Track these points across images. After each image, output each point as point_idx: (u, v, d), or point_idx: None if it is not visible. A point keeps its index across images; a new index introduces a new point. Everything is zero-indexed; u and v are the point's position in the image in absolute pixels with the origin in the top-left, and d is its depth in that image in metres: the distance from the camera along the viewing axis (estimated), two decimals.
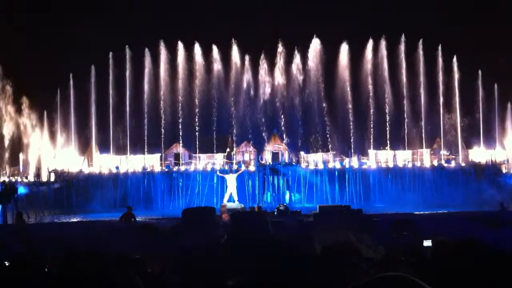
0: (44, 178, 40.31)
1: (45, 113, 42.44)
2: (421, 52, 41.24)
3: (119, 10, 45.04)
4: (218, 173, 35.82)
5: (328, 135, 41.00)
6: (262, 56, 41.58)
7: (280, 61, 41.40)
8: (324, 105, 41.32)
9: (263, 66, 41.47)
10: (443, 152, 41.09)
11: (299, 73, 41.50)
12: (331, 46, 41.57)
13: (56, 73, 42.46)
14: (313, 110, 41.18)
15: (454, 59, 41.41)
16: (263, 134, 41.36)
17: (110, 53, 41.57)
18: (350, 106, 41.24)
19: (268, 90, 41.60)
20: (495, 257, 9.60)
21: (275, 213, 27.75)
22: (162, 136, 41.59)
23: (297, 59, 41.75)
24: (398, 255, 12.45)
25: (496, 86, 41.26)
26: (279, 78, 41.43)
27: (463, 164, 39.70)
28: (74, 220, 30.01)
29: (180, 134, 41.76)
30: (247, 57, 41.83)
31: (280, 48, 41.39)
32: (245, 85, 41.67)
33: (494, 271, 8.53)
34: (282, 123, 41.21)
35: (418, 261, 10.39)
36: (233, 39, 42.15)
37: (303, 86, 41.59)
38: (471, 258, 9.15)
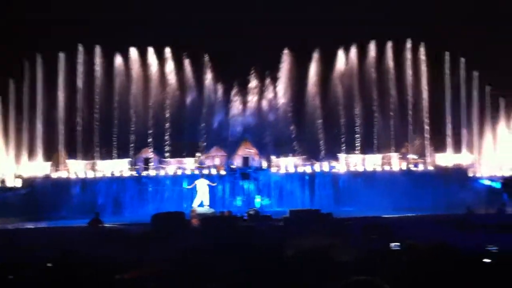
0: (9, 184, 39.33)
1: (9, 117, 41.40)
2: (390, 55, 41.81)
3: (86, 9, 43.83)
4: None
5: (298, 140, 41.14)
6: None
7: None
8: (294, 110, 41.47)
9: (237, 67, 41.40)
10: (411, 156, 41.67)
11: (270, 79, 41.59)
12: (302, 51, 41.74)
13: (16, 73, 41.24)
14: (284, 115, 41.29)
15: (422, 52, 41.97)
16: (234, 139, 41.26)
17: (79, 55, 40.99)
18: (320, 111, 41.48)
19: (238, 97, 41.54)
20: (465, 259, 9.80)
21: (246, 217, 27.71)
22: (132, 141, 41.14)
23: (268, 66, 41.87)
24: (370, 258, 12.54)
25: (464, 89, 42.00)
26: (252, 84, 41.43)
27: (430, 168, 40.34)
28: (41, 226, 29.40)
29: (150, 139, 41.35)
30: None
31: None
32: (216, 91, 41.53)
33: (464, 273, 8.67)
34: (253, 128, 41.17)
35: (390, 264, 10.48)
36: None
37: (274, 92, 41.67)
38: (443, 261, 9.30)
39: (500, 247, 12.44)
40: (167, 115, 41.23)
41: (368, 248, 14.26)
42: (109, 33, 41.30)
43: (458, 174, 39.29)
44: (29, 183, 38.31)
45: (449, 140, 41.59)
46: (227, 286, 9.98)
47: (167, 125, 41.20)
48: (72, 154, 41.42)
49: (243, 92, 42.10)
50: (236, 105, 41.72)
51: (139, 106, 41.59)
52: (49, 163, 41.02)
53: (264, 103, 41.71)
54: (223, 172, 38.40)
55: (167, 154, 41.06)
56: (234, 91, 41.78)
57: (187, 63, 42.00)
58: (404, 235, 14.78)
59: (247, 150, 42.23)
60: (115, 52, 41.50)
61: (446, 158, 41.57)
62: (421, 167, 40.25)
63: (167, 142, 41.10)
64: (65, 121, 41.12)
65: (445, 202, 33.97)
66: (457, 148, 41.67)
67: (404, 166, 40.78)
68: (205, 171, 38.36)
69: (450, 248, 9.37)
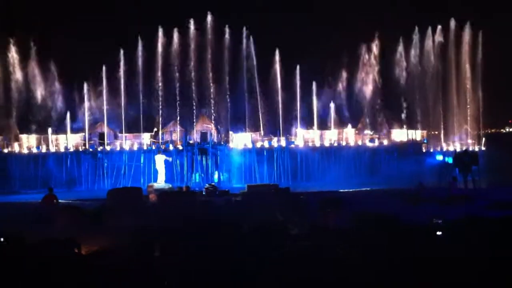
0: None
1: None
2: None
3: None
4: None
5: (258, 115, 41.19)
6: (192, 32, 40.82)
7: (210, 37, 40.77)
8: (253, 85, 41.38)
9: (193, 42, 40.76)
10: (367, 132, 42.46)
11: (228, 52, 41.18)
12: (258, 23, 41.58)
13: None
14: (242, 90, 41.15)
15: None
16: (192, 114, 40.92)
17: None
18: (278, 86, 41.59)
19: (195, 68, 40.98)
20: (411, 229, 10.14)
21: (204, 193, 27.69)
22: (86, 115, 40.37)
23: (226, 37, 41.36)
24: (324, 229, 12.76)
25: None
26: (209, 57, 40.90)
27: (385, 143, 41.20)
28: None
29: (105, 113, 40.63)
30: (175, 33, 40.89)
31: (209, 24, 40.78)
32: (174, 63, 40.84)
33: (408, 242, 8.97)
34: (212, 102, 40.90)
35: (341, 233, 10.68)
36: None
37: (232, 66, 41.36)
38: (388, 230, 9.60)
39: (445, 219, 12.91)
40: (123, 88, 40.52)
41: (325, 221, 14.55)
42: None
43: (412, 149, 40.25)
44: None
45: (404, 116, 42.48)
46: (182, 260, 10.02)
47: (123, 99, 40.54)
48: (25, 129, 40.46)
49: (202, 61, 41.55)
50: (193, 78, 41.17)
51: (94, 80, 40.74)
52: (0, 137, 39.97)
53: (223, 77, 41.35)
54: (180, 147, 38.17)
55: (123, 129, 40.47)
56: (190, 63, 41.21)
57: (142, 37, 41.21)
58: (356, 208, 15.14)
59: (205, 125, 42.07)
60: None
61: (402, 134, 42.52)
62: (376, 143, 41.05)
63: (123, 117, 40.49)
64: (18, 95, 39.93)
65: (399, 177, 34.72)
66: (413, 124, 42.61)
67: (360, 141, 41.62)
68: (162, 146, 38.09)
69: (396, 219, 9.68)
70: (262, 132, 41.22)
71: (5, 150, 38.69)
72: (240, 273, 8.51)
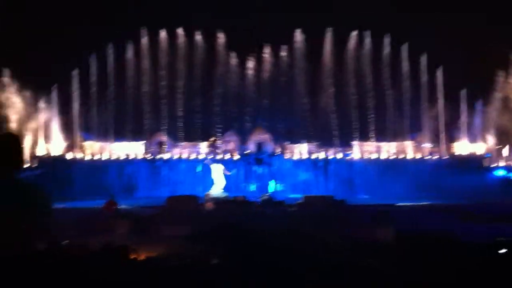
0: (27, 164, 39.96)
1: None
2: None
3: None
4: (206, 161, 35.34)
5: (312, 126, 41.08)
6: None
7: (266, 53, 41.21)
8: (308, 96, 41.39)
9: (250, 56, 41.28)
10: (426, 145, 41.49)
11: (284, 64, 41.39)
12: (315, 37, 41.59)
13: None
14: (298, 101, 41.20)
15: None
16: (248, 123, 41.32)
17: None
18: (334, 98, 41.38)
19: (253, 79, 41.44)
20: (461, 248, 9.80)
21: (259, 203, 27.85)
22: (146, 124, 41.53)
23: (282, 51, 41.61)
24: (366, 248, 12.64)
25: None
26: (265, 69, 41.27)
27: (446, 157, 40.14)
28: (58, 206, 29.80)
29: (164, 122, 41.66)
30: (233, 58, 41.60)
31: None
32: (230, 74, 41.46)
33: (459, 262, 8.69)
34: (268, 113, 41.16)
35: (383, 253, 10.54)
36: (219, 33, 41.95)
37: (289, 78, 41.50)
38: (437, 249, 9.34)
39: (507, 237, 12.44)
40: (181, 98, 41.44)
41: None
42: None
43: (473, 164, 39.02)
44: (45, 163, 38.81)
45: (464, 129, 41.29)
46: (237, 268, 10.16)
47: (181, 108, 41.43)
48: (88, 136, 42.00)
49: (257, 75, 41.94)
50: (250, 90, 41.59)
51: (153, 89, 41.87)
52: (65, 144, 41.62)
53: (278, 89, 41.55)
54: (236, 157, 38.55)
55: (180, 138, 41.31)
56: (248, 72, 41.61)
57: (199, 44, 41.96)
58: (411, 223, 14.87)
59: (261, 136, 42.33)
60: (127, 35, 41.71)
61: (462, 147, 41.31)
62: (436, 156, 40.06)
63: (181, 126, 41.35)
64: (80, 102, 41.55)
65: (459, 192, 33.80)
66: (473, 138, 41.31)
67: (418, 154, 40.70)
68: (219, 156, 38.58)
69: (451, 237, 9.43)
70: (318, 143, 41.02)
71: (69, 157, 40.19)
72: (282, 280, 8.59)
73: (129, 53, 41.94)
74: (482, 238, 12.26)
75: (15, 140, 4.49)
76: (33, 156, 40.14)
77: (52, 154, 40.26)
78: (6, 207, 4.26)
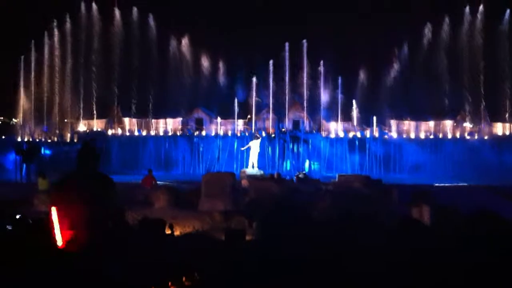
0: (68, 139, 40.99)
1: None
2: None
3: None
4: (241, 148, 35.46)
5: (351, 104, 40.54)
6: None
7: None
8: (347, 73, 40.85)
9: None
10: (467, 124, 40.55)
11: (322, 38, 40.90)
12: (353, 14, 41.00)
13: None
14: (335, 79, 40.70)
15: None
16: (285, 101, 41.12)
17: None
18: (369, 76, 40.73)
19: (289, 56, 41.07)
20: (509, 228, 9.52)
21: (294, 180, 27.83)
22: (184, 100, 41.85)
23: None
24: (412, 223, 12.50)
25: None
26: (303, 46, 40.79)
27: (486, 137, 39.16)
28: None
29: (202, 99, 41.91)
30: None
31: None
32: (267, 52, 41.23)
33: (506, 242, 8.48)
34: (305, 90, 40.85)
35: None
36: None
37: (326, 55, 40.98)
38: (483, 227, 9.13)
39: None
40: (219, 76, 41.55)
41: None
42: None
43: None
44: (84, 138, 39.62)
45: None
46: (271, 244, 10.22)
47: (219, 85, 41.56)
48: (127, 112, 42.68)
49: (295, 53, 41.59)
50: (288, 67, 41.32)
51: (191, 68, 42.11)
52: (104, 120, 42.44)
53: (315, 67, 41.12)
54: (273, 135, 38.55)
55: (217, 115, 41.50)
56: (286, 53, 41.31)
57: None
58: (451, 203, 14.60)
59: (297, 113, 42.14)
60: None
61: (504, 127, 40.26)
62: (476, 136, 39.17)
63: (218, 103, 41.50)
64: (120, 79, 42.13)
65: (499, 172, 33.06)
66: None
67: (458, 134, 39.86)
68: (255, 133, 38.63)
69: (495, 216, 9.20)
70: (355, 121, 40.61)
71: (109, 132, 40.98)
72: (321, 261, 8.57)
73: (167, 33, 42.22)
74: None
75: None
76: (74, 131, 41.14)
77: (92, 129, 41.19)
78: (92, 191, 6.82)
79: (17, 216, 10.33)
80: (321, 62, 40.33)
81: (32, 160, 30.64)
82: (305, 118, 41.37)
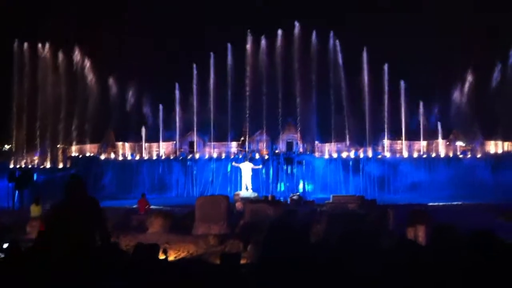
0: (61, 165, 40.77)
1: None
2: None
3: None
4: (233, 163, 35.53)
5: (344, 125, 40.58)
6: (278, 43, 41.17)
7: (295, 47, 40.88)
8: (340, 94, 40.95)
9: (279, 53, 41.04)
10: (459, 143, 40.67)
11: (315, 62, 41.05)
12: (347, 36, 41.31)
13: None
14: (328, 99, 40.80)
15: None
16: (278, 123, 41.16)
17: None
18: (366, 96, 40.83)
19: (282, 76, 41.19)
20: (506, 248, 9.44)
21: (289, 202, 27.76)
22: (177, 124, 41.83)
23: (313, 45, 41.27)
24: (413, 245, 12.40)
25: None
26: (295, 67, 40.97)
27: (479, 156, 39.26)
28: None
29: (195, 122, 41.90)
30: (263, 42, 41.44)
31: (296, 33, 40.95)
32: (261, 71, 41.33)
33: (505, 263, 8.38)
34: (298, 112, 40.91)
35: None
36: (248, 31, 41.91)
37: (319, 75, 41.10)
38: (482, 248, 9.04)
39: None
40: (212, 98, 41.59)
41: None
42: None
43: (507, 162, 38.05)
44: (78, 163, 39.47)
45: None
46: (267, 270, 10.05)
47: (212, 108, 41.58)
48: (120, 136, 42.57)
49: (289, 73, 41.70)
50: (279, 87, 41.40)
51: (183, 90, 42.20)
52: (98, 144, 42.30)
53: (309, 86, 41.21)
54: (266, 156, 38.53)
55: (211, 138, 41.45)
56: (277, 74, 41.45)
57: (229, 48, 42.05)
58: (447, 223, 14.49)
59: (291, 135, 42.17)
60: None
61: (497, 145, 40.36)
62: (469, 155, 39.26)
63: (212, 126, 41.49)
64: (114, 103, 42.10)
65: (493, 191, 33.07)
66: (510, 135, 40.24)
67: (451, 153, 39.95)
68: (249, 155, 38.58)
69: (493, 236, 9.08)
70: (348, 142, 40.60)
71: (102, 157, 40.80)
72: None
73: None
74: None
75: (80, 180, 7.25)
76: (67, 156, 40.95)
77: (85, 154, 41.00)
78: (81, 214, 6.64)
79: (5, 245, 10.18)
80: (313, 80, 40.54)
81: (25, 187, 30.43)
82: (298, 139, 41.36)
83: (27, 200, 27.92)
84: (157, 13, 46.90)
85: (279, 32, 41.13)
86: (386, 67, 40.48)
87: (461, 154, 39.40)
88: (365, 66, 40.85)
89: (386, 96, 40.82)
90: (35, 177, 35.34)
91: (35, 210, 20.65)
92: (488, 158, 38.71)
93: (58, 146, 42.56)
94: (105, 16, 43.28)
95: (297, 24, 40.97)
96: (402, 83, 40.40)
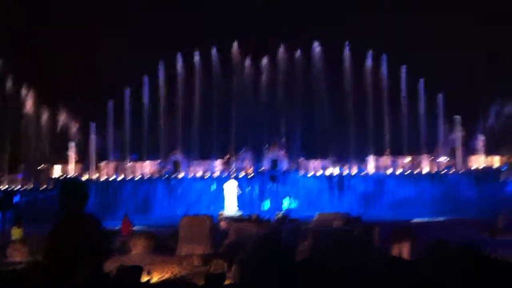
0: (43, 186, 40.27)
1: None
2: None
3: None
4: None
5: (329, 141, 40.67)
6: (264, 62, 41.39)
7: (281, 66, 41.14)
8: (324, 110, 41.15)
9: (264, 71, 41.25)
10: (442, 159, 40.96)
11: (300, 79, 41.30)
12: (332, 51, 41.61)
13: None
14: (313, 116, 40.96)
15: None
16: (263, 140, 41.14)
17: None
18: (350, 113, 41.07)
19: (267, 95, 41.35)
20: (494, 264, 9.46)
21: (273, 221, 27.58)
22: (161, 143, 41.64)
23: (298, 63, 41.53)
24: (398, 261, 12.34)
25: None
26: (280, 83, 41.17)
27: (462, 171, 39.55)
28: None
29: (179, 141, 41.73)
30: (247, 61, 41.64)
31: (281, 53, 41.22)
32: (245, 91, 41.44)
33: (492, 278, 8.38)
34: (283, 130, 40.97)
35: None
36: (235, 42, 42.04)
37: (304, 93, 41.32)
38: (469, 263, 9.02)
39: None
40: (196, 117, 41.50)
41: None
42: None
43: (489, 177, 38.40)
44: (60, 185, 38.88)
45: (481, 142, 40.65)
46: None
47: (196, 127, 41.47)
48: (103, 157, 42.20)
49: (272, 91, 41.83)
50: (265, 106, 41.50)
51: (169, 109, 42.07)
52: (80, 165, 41.88)
53: (293, 106, 41.39)
54: (251, 174, 38.39)
55: (195, 156, 41.25)
56: (261, 92, 41.57)
57: (215, 64, 42.12)
58: (432, 239, 14.48)
59: (275, 152, 42.11)
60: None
61: (479, 161, 40.67)
62: (452, 170, 39.51)
63: (196, 145, 41.34)
64: (96, 123, 41.87)
65: (476, 206, 33.27)
66: (490, 151, 40.64)
67: (434, 169, 40.16)
68: (233, 174, 38.44)
69: (479, 251, 9.09)
70: (332, 158, 40.62)
71: (84, 178, 40.31)
72: None
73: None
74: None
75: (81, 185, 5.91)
76: (49, 178, 40.44)
77: (67, 175, 40.52)
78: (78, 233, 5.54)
79: None
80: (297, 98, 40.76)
81: (6, 209, 29.94)
82: (283, 156, 41.30)
83: (9, 222, 27.43)
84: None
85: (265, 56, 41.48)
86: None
87: (444, 169, 39.63)
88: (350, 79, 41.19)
89: (370, 110, 41.15)
90: (17, 198, 34.85)
91: (16, 233, 20.24)
92: (470, 173, 39.02)
93: (39, 167, 42.07)
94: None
95: (282, 45, 41.38)
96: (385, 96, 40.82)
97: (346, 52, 41.86)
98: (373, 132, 41.10)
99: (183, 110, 41.85)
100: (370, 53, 41.87)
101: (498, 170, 39.90)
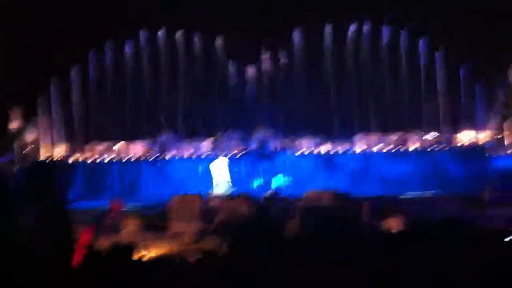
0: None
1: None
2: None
3: None
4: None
5: (317, 118, 40.74)
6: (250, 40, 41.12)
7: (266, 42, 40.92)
8: (309, 90, 41.10)
9: (250, 47, 40.99)
10: (430, 134, 41.20)
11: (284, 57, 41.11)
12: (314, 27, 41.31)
13: None
14: (301, 94, 40.89)
15: None
16: (252, 119, 41.07)
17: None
18: (335, 90, 41.08)
19: (254, 74, 41.18)
20: (482, 236, 9.58)
21: (263, 199, 27.67)
22: (147, 124, 41.36)
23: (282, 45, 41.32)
24: (389, 235, 12.42)
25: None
26: (266, 61, 40.99)
27: (447, 147, 39.84)
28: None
29: (165, 121, 41.49)
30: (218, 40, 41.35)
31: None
32: (231, 69, 41.23)
33: (479, 250, 8.49)
34: (269, 108, 40.91)
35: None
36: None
37: (290, 70, 41.19)
38: (456, 237, 9.11)
39: None
40: (182, 96, 41.24)
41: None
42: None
43: (476, 153, 38.76)
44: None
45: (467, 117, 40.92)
46: (245, 267, 9.95)
47: (183, 107, 41.23)
48: (89, 137, 41.84)
49: (257, 71, 41.62)
50: (251, 85, 41.35)
51: (154, 87, 41.72)
52: (66, 146, 41.53)
53: (279, 83, 41.29)
54: (240, 154, 38.36)
55: (182, 136, 41.07)
56: (248, 70, 41.31)
57: (198, 43, 41.71)
58: (420, 213, 14.70)
59: (263, 132, 42.04)
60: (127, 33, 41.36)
61: (467, 136, 40.92)
62: (438, 146, 39.78)
63: (183, 124, 41.15)
64: (80, 104, 41.40)
65: (463, 182, 33.68)
66: (478, 126, 40.85)
67: (420, 145, 40.35)
68: (222, 153, 38.35)
69: (467, 224, 9.17)
70: (321, 136, 40.65)
71: (70, 160, 39.97)
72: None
73: (129, 51, 41.65)
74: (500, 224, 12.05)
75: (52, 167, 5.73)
76: (35, 159, 40.06)
77: (54, 157, 40.17)
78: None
79: None
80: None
81: None
82: (271, 136, 41.22)
83: None
84: None
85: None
86: None
87: (430, 146, 39.89)
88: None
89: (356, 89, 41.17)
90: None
91: None
92: (456, 149, 39.34)
93: (25, 150, 41.69)
94: None
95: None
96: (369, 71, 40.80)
97: (328, 29, 41.58)
98: (361, 109, 41.07)
99: (168, 91, 41.55)
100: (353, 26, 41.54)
101: (483, 146, 40.25)
